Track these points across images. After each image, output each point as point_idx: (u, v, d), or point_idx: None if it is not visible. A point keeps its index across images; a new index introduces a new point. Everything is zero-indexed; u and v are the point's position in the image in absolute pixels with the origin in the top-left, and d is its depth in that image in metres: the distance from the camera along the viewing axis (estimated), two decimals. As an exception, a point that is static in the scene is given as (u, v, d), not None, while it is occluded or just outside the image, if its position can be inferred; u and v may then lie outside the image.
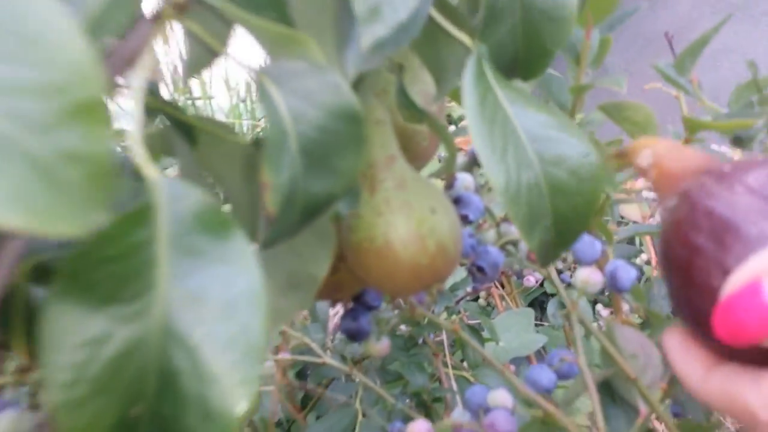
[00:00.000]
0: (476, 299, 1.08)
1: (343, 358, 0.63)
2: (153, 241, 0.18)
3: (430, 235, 0.30)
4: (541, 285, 1.17)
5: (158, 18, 0.21)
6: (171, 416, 0.18)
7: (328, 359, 0.60)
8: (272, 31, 0.20)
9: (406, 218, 0.30)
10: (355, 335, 0.41)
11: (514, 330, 0.86)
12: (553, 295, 1.01)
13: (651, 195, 0.70)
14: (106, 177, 0.14)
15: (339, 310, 0.67)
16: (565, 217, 0.27)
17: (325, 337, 0.67)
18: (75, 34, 0.14)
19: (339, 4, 0.22)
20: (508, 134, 0.26)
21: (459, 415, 0.39)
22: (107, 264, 0.18)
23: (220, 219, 0.20)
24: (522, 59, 0.28)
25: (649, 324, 0.54)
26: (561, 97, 0.41)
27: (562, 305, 0.87)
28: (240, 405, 0.18)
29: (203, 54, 0.27)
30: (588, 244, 0.39)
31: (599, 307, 1.02)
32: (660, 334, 0.46)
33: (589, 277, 0.39)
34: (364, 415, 0.64)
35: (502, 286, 1.08)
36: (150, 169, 0.19)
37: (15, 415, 0.26)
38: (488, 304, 1.09)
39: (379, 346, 0.44)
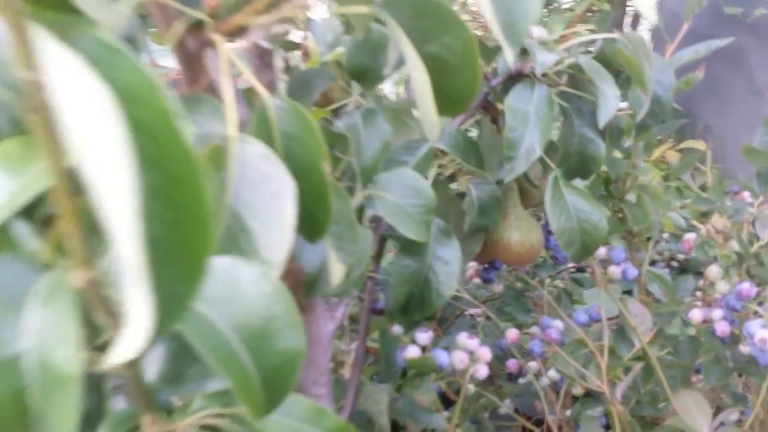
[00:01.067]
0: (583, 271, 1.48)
1: (475, 297, 1.05)
2: (429, 240, 0.61)
3: (527, 241, 0.71)
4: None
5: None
6: (426, 294, 0.61)
7: (465, 294, 1.03)
8: (472, 168, 0.63)
9: (517, 233, 0.71)
10: (486, 280, 0.84)
11: (601, 299, 1.26)
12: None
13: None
14: (430, 226, 0.57)
15: (472, 266, 1.09)
16: (586, 244, 0.68)
17: (461, 281, 1.10)
18: (427, 183, 0.56)
19: (498, 155, 0.64)
20: (563, 207, 0.67)
21: (535, 329, 0.81)
22: (415, 245, 0.60)
23: (448, 230, 0.62)
24: (579, 172, 0.69)
25: (661, 303, 0.92)
26: (619, 170, 0.81)
27: (647, 291, 1.26)
28: (449, 293, 0.61)
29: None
30: (617, 252, 0.79)
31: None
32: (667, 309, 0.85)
33: (614, 271, 0.79)
34: (484, 335, 1.07)
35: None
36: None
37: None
38: (594, 279, 1.48)
39: (498, 287, 0.87)
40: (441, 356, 0.63)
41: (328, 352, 0.62)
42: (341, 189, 0.44)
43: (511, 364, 0.92)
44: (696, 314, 0.77)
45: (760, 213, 0.74)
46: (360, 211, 0.65)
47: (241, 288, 0.27)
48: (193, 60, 0.40)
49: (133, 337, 0.18)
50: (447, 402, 1.05)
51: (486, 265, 0.83)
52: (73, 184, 0.23)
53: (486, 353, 0.67)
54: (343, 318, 0.62)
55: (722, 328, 0.75)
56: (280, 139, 0.35)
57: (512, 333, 0.80)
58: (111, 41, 0.19)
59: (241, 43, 0.41)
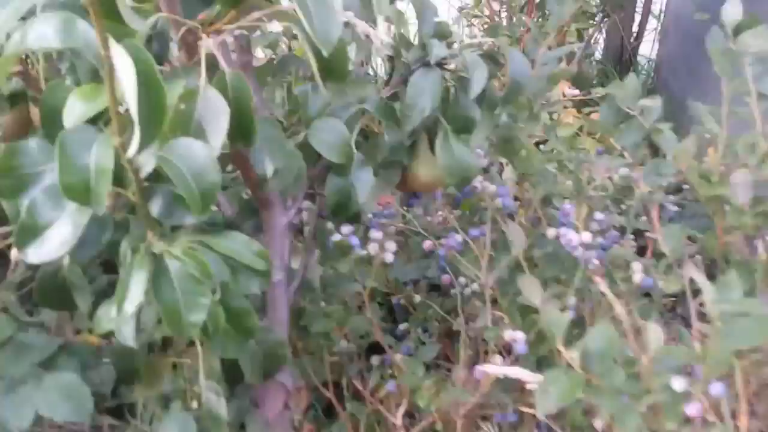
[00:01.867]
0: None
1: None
2: (352, 166, 0.90)
3: (431, 175, 1.00)
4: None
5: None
6: (348, 202, 0.91)
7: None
8: (389, 123, 0.93)
9: (424, 169, 1.01)
10: (409, 205, 1.14)
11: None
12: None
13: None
14: (349, 154, 0.87)
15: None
16: (464, 178, 0.97)
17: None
18: (344, 127, 0.86)
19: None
20: (448, 151, 0.96)
21: (443, 241, 1.11)
22: (342, 168, 0.90)
23: (365, 161, 0.92)
24: (463, 129, 0.98)
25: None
26: (511, 132, 1.10)
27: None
28: (362, 201, 0.91)
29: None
30: (502, 188, 1.08)
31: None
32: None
33: (498, 202, 1.08)
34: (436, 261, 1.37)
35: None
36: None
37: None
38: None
39: (419, 212, 1.16)
40: (353, 240, 0.94)
41: (284, 239, 0.92)
42: (275, 122, 0.75)
43: (445, 279, 1.22)
44: (550, 231, 1.06)
45: (596, 163, 1.02)
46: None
47: (194, 151, 0.58)
48: (190, 47, 0.71)
49: (134, 145, 0.49)
50: (407, 312, 1.35)
51: (411, 194, 1.13)
52: (117, 106, 0.55)
53: (391, 245, 0.97)
54: (293, 216, 0.93)
55: (564, 239, 1.04)
56: (230, 89, 0.65)
57: (427, 243, 1.10)
58: (136, 44, 0.50)
59: (220, 39, 0.71)
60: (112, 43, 0.47)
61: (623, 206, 1.15)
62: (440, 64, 0.95)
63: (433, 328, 1.34)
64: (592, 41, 3.46)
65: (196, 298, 0.64)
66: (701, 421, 0.76)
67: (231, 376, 0.88)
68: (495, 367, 0.88)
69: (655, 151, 1.04)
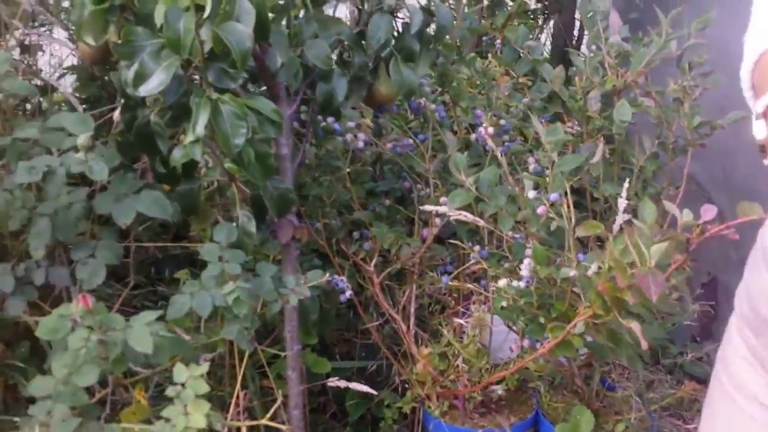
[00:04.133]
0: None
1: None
2: (333, 74, 1.27)
3: (388, 90, 1.37)
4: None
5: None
6: (333, 99, 1.28)
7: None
8: (357, 48, 1.30)
9: (383, 86, 1.37)
10: (377, 116, 1.50)
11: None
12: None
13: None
14: (331, 64, 1.24)
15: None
16: (410, 92, 1.34)
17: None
18: (326, 45, 1.23)
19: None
20: (398, 70, 1.32)
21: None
22: (326, 76, 1.27)
23: (344, 72, 1.29)
24: (410, 59, 1.34)
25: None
26: (446, 69, 1.46)
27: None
28: (341, 97, 1.28)
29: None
30: (439, 108, 1.44)
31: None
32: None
33: (437, 115, 1.45)
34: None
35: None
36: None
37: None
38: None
39: (383, 122, 1.53)
40: (336, 126, 1.30)
41: (290, 126, 1.28)
42: (283, 32, 1.12)
43: (406, 185, 1.58)
44: (473, 136, 1.43)
45: (504, 86, 1.39)
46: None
47: (237, 29, 0.94)
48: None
49: (208, 9, 0.86)
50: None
51: (377, 110, 1.49)
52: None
53: (362, 136, 1.34)
54: (296, 108, 1.29)
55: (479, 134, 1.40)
56: (254, 2, 1.02)
57: (389, 145, 1.46)
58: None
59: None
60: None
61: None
62: (391, 12, 1.32)
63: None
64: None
65: (238, 128, 1.00)
66: (547, 219, 1.12)
67: (257, 213, 1.24)
68: (430, 207, 1.24)
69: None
